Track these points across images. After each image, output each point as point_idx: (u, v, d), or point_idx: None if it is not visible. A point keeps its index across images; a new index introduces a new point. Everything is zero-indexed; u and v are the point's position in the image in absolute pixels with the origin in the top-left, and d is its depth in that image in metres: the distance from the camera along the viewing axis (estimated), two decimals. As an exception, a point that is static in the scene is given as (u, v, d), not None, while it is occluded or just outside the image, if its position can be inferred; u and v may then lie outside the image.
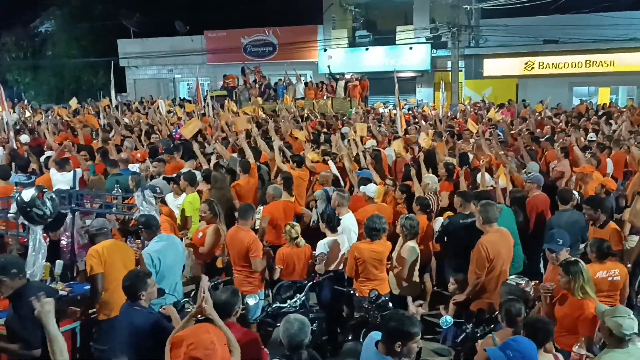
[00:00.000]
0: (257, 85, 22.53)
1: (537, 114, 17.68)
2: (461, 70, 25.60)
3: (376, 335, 3.73)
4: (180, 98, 27.50)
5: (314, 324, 5.63)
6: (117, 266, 5.30)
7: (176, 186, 7.98)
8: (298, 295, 5.82)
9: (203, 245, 6.62)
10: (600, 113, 18.31)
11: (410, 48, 26.37)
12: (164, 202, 7.42)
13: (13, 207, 5.77)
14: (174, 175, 8.30)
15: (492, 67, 25.68)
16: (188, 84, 31.88)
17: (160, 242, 5.60)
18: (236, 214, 6.49)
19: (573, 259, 4.88)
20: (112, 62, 19.63)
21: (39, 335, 4.33)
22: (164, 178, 8.68)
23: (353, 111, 19.30)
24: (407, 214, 6.62)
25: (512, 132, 13.60)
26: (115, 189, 6.84)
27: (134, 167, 9.22)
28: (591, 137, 12.80)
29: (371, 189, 7.33)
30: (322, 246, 6.30)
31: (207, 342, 3.36)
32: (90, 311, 5.43)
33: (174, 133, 12.99)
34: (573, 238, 6.19)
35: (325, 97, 20.89)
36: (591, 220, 6.34)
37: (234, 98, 20.86)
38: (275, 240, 7.17)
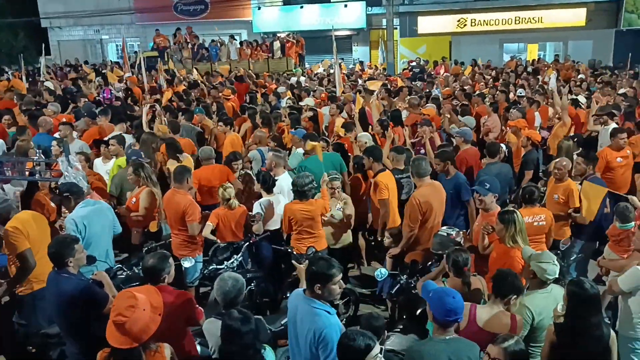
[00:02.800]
0: (189, 46, 21.87)
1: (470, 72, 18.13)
2: (396, 28, 25.66)
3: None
4: (111, 61, 26.31)
5: (252, 284, 5.68)
6: (37, 239, 5.08)
7: (106, 150, 7.71)
8: (235, 256, 5.79)
9: (138, 211, 6.44)
10: (529, 69, 18.94)
11: (345, 6, 26.20)
12: (90, 167, 7.15)
13: None
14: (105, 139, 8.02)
15: (426, 24, 25.89)
16: (117, 46, 30.45)
17: (85, 208, 5.39)
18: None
19: (510, 208, 5.06)
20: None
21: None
22: (95, 141, 8.38)
23: (299, 70, 19.19)
24: (337, 174, 6.61)
25: (447, 88, 13.87)
26: (37, 155, 6.50)
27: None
28: (520, 93, 13.22)
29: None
30: (258, 206, 6.26)
31: (124, 307, 3.25)
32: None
33: (100, 97, 12.46)
34: (501, 188, 6.45)
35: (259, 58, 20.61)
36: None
37: (166, 59, 20.20)
38: (209, 202, 7.07)
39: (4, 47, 30.98)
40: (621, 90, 13.47)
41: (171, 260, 4.14)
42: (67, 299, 4.10)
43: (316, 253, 5.64)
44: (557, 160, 6.51)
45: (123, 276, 5.40)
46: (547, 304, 4.02)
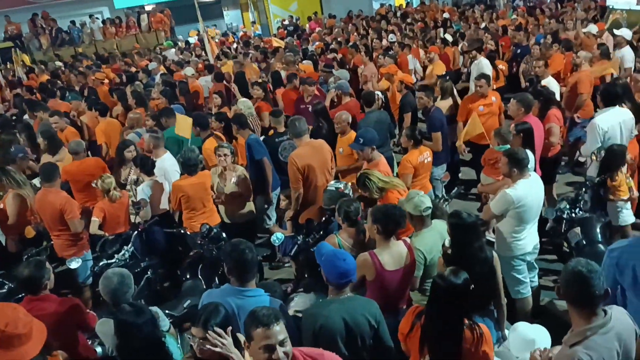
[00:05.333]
0: (46, 31, 20.23)
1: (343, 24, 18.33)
2: (267, -13, 25.16)
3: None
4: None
5: (149, 272, 5.48)
6: None
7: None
8: (125, 247, 5.52)
9: (8, 218, 5.94)
10: (398, 14, 19.44)
11: (210, -31, 25.22)
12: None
13: None
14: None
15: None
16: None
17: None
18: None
19: (363, 171, 5.12)
20: None
21: None
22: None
23: (171, 42, 18.45)
24: (223, 142, 6.46)
25: (318, 43, 13.93)
26: None
27: None
28: (392, 39, 13.58)
29: None
30: (141, 192, 6.00)
31: (22, 315, 3.02)
32: None
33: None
34: (382, 136, 6.61)
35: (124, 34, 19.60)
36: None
37: (24, 48, 18.65)
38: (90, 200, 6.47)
39: None
40: (482, 25, 14.24)
41: (48, 265, 3.86)
42: None
43: (210, 229, 5.55)
44: (337, 114, 6.47)
45: (4, 290, 5.00)
46: (434, 240, 4.18)
